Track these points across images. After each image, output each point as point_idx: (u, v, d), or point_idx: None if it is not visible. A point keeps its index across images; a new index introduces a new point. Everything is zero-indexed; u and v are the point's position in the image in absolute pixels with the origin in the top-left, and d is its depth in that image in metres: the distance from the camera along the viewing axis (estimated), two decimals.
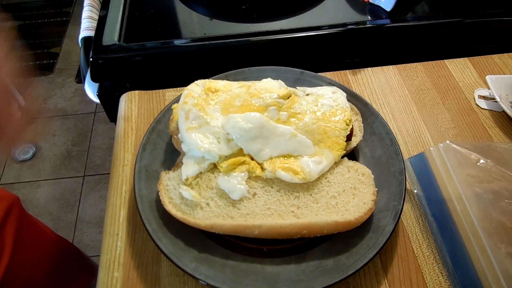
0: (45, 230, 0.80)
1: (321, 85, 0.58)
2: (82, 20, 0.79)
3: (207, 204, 0.45)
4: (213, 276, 0.42)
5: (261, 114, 0.49)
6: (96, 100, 0.73)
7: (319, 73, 0.62)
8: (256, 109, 0.49)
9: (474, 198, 0.46)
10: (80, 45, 0.78)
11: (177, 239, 0.45)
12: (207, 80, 0.54)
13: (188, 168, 0.46)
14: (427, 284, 0.45)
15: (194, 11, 0.77)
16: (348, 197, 0.46)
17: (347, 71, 0.69)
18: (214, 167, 0.47)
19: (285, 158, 0.47)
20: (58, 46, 2.19)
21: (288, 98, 0.52)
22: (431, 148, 0.52)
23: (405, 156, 0.57)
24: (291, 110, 0.51)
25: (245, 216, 0.44)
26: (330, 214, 0.44)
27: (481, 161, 0.49)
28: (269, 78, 0.55)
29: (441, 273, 0.46)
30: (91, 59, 0.68)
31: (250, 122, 0.47)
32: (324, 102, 0.52)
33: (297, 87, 0.55)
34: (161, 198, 0.45)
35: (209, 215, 0.44)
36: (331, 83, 0.59)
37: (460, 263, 0.45)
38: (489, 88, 0.63)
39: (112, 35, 0.70)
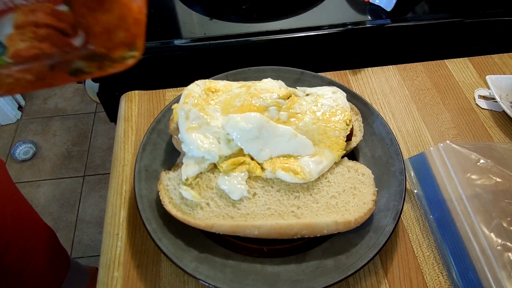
0: (26, 203, 0.79)
1: (321, 85, 0.58)
2: None
3: (207, 204, 0.45)
4: (213, 276, 0.42)
5: (261, 114, 0.49)
6: (96, 100, 0.73)
7: (319, 73, 0.62)
8: (256, 109, 0.49)
9: (474, 198, 0.46)
10: None
11: (177, 239, 0.45)
12: (207, 80, 0.54)
13: (188, 168, 0.46)
14: (427, 284, 0.45)
15: (194, 11, 0.77)
16: (348, 197, 0.46)
17: (347, 71, 0.69)
18: (214, 167, 0.47)
19: (285, 158, 0.47)
20: None
21: (288, 98, 0.52)
22: (431, 148, 0.52)
23: (405, 156, 0.57)
24: (291, 110, 0.51)
25: (245, 216, 0.44)
26: (330, 214, 0.44)
27: (481, 161, 0.49)
28: (269, 78, 0.55)
29: (441, 273, 0.46)
30: None
31: (250, 122, 0.47)
32: (324, 102, 0.52)
33: (297, 87, 0.55)
34: (161, 198, 0.45)
35: (209, 215, 0.44)
36: (331, 83, 0.59)
37: (460, 263, 0.45)
38: (489, 88, 0.63)
39: None
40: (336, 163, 0.49)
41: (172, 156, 0.53)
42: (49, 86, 0.28)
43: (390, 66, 0.70)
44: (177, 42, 0.70)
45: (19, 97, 1.87)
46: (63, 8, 0.23)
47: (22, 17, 0.24)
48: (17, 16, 0.23)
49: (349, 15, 0.76)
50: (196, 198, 0.45)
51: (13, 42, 0.24)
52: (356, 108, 0.56)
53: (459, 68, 0.70)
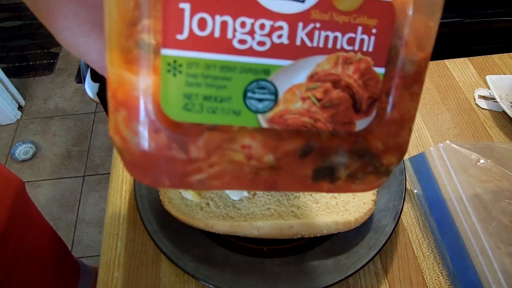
0: (42, 217, 0.80)
1: None
2: None
3: (207, 204, 0.45)
4: (213, 276, 0.42)
5: None
6: (96, 100, 0.73)
7: None
8: None
9: (474, 198, 0.46)
10: None
11: (177, 239, 0.45)
12: None
13: None
14: (427, 284, 0.45)
15: None
16: (348, 197, 0.46)
17: None
18: None
19: None
20: (58, 46, 2.19)
21: None
22: (431, 148, 0.52)
23: (405, 156, 0.57)
24: None
25: (245, 216, 0.44)
26: (330, 214, 0.44)
27: (481, 161, 0.49)
28: None
29: (441, 273, 0.46)
30: None
31: None
32: None
33: None
34: (161, 198, 0.45)
35: (209, 215, 0.44)
36: None
37: (460, 263, 0.45)
38: (489, 88, 0.63)
39: None
40: None
41: None
42: (267, 189, 0.20)
43: None
44: None
45: (19, 97, 1.87)
46: (379, 71, 0.17)
47: (328, 65, 0.17)
48: (324, 62, 0.17)
49: None
50: (196, 198, 0.45)
51: (289, 98, 0.17)
52: None
53: (459, 68, 0.70)
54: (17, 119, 1.83)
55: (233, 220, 0.43)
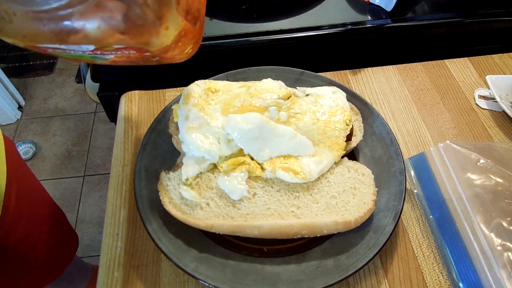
0: (36, 181, 0.80)
1: (321, 85, 0.58)
2: None
3: (207, 204, 0.45)
4: (213, 276, 0.42)
5: (261, 114, 0.49)
6: (96, 100, 0.73)
7: (319, 73, 0.62)
8: (256, 110, 0.49)
9: (474, 198, 0.46)
10: None
11: (177, 239, 0.45)
12: (207, 80, 0.54)
13: (188, 168, 0.46)
14: (427, 284, 0.46)
15: None
16: (348, 197, 0.46)
17: (347, 71, 0.69)
18: (214, 167, 0.47)
19: (285, 158, 0.47)
20: None
21: (288, 98, 0.52)
22: (431, 148, 0.52)
23: (405, 156, 0.57)
24: (291, 110, 0.51)
25: (245, 216, 0.44)
26: (330, 214, 0.44)
27: (481, 161, 0.49)
28: (269, 78, 0.55)
29: (441, 273, 0.46)
30: None
31: (250, 122, 0.47)
32: (324, 102, 0.52)
33: (297, 87, 0.55)
34: (161, 198, 0.45)
35: (209, 215, 0.44)
36: (331, 83, 0.59)
37: (460, 263, 0.45)
38: (489, 88, 0.63)
39: None
40: (336, 163, 0.49)
41: (172, 156, 0.53)
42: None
43: (390, 66, 0.70)
44: None
45: (19, 97, 1.87)
46: (147, 54, 0.38)
47: (121, 54, 0.37)
48: (118, 54, 0.37)
49: (349, 15, 0.76)
50: (196, 198, 0.45)
51: (113, 59, 0.39)
52: (356, 108, 0.56)
53: (459, 68, 0.70)
54: (17, 119, 1.83)
55: (233, 220, 0.43)
